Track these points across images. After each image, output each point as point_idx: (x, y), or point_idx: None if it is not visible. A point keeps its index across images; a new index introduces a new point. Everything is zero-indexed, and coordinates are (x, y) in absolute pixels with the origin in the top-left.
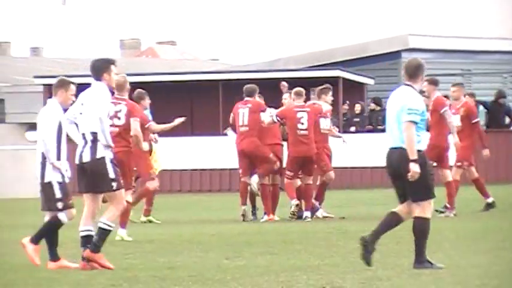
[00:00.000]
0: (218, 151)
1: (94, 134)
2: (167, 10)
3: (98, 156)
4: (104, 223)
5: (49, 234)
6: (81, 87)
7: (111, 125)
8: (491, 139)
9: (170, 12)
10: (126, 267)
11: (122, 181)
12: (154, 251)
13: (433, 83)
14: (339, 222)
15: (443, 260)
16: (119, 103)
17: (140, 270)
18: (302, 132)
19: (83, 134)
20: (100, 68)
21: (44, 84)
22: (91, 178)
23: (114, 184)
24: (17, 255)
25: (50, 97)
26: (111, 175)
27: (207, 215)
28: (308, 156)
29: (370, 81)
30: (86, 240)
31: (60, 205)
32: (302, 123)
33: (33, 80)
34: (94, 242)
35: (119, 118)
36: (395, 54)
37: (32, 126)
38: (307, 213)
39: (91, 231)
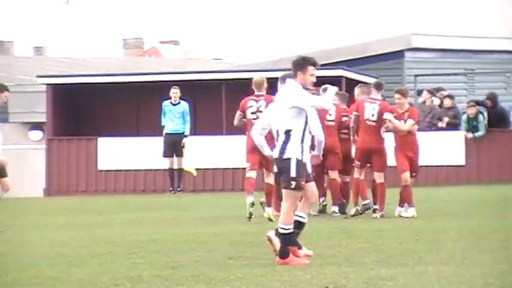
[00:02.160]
0: (221, 151)
1: (286, 133)
2: (170, 10)
3: (285, 156)
4: (298, 215)
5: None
6: (81, 87)
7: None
8: (495, 139)
9: (173, 12)
10: (130, 267)
11: (303, 182)
12: (158, 250)
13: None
14: (342, 221)
15: (447, 259)
16: (259, 100)
17: (143, 270)
18: (369, 123)
19: (277, 131)
20: (296, 65)
21: (47, 84)
22: (279, 173)
23: (293, 183)
24: (20, 255)
25: (53, 97)
26: (293, 174)
27: (210, 215)
28: (372, 148)
29: (373, 81)
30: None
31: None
32: (373, 115)
33: (36, 79)
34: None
35: (261, 112)
36: (399, 54)
37: (35, 126)
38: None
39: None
